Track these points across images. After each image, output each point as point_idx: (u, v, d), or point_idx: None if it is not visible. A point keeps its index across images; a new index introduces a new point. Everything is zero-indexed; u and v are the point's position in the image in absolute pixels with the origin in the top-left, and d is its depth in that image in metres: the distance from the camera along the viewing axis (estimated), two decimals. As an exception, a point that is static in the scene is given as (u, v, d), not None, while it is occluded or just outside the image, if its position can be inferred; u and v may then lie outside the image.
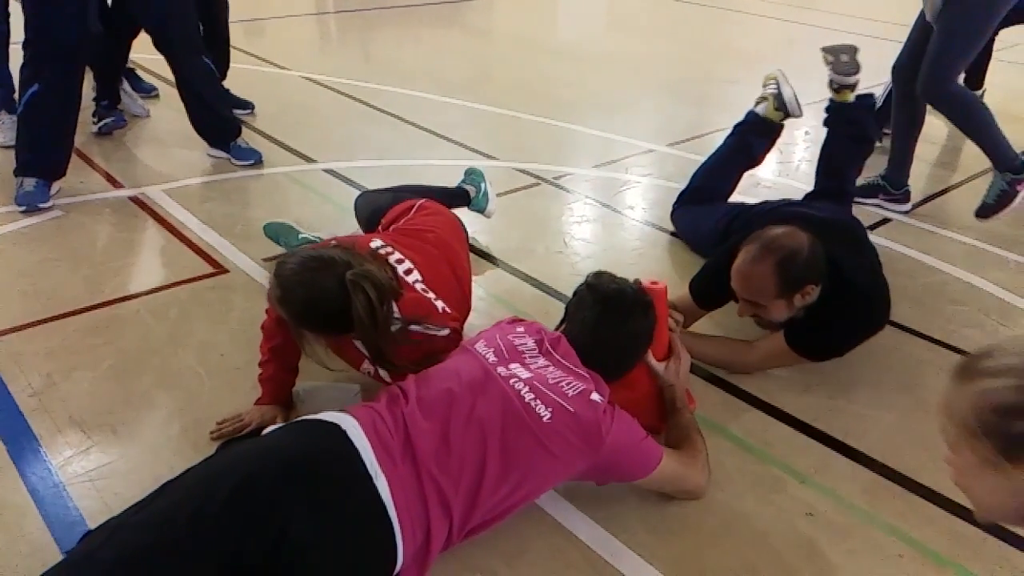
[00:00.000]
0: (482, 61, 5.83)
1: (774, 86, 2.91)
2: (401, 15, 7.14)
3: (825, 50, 2.85)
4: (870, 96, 2.82)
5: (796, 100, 2.87)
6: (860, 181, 3.46)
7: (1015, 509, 1.08)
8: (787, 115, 2.91)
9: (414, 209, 2.46)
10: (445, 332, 1.98)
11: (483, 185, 2.98)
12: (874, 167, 3.56)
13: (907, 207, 3.38)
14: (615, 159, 3.87)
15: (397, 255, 2.09)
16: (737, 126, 2.98)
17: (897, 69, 3.23)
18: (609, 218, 3.28)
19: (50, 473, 1.83)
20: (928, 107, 3.31)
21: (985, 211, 3.15)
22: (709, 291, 2.30)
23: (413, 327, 1.91)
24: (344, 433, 1.50)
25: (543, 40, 6.47)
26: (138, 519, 1.37)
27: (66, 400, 2.06)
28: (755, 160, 2.98)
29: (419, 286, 2.04)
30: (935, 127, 4.47)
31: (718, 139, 3.11)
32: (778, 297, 2.06)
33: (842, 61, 2.78)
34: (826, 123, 2.88)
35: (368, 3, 7.36)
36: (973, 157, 4.10)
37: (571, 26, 7.38)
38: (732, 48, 6.30)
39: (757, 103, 2.95)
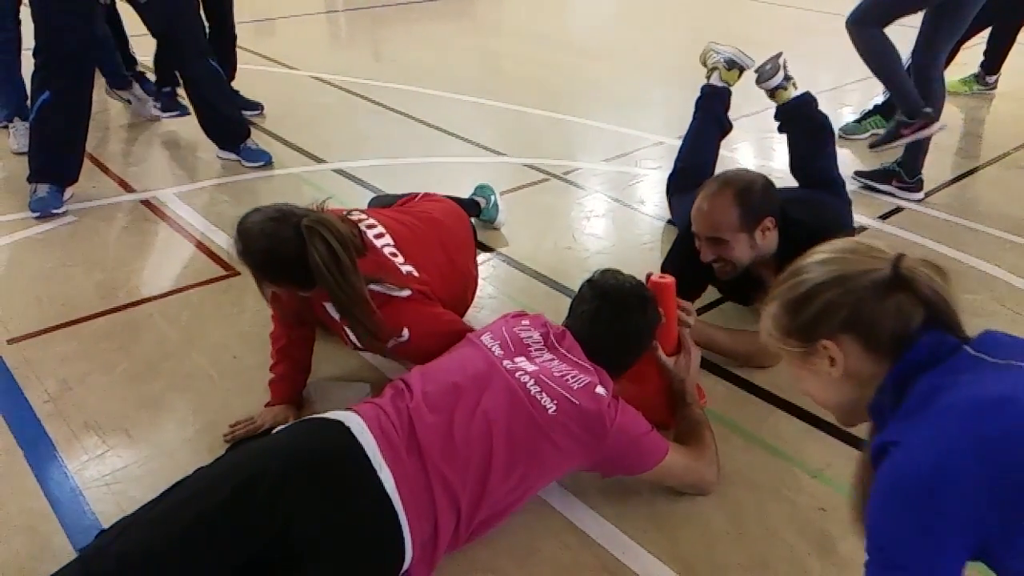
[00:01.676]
0: (491, 56, 5.81)
1: (714, 57, 3.01)
2: (411, 11, 7.14)
3: (756, 70, 2.93)
4: (806, 93, 2.88)
5: (741, 52, 2.99)
6: (875, 166, 3.47)
7: (847, 398, 1.20)
8: (741, 70, 3.00)
9: (418, 197, 2.50)
10: (405, 294, 1.97)
11: (493, 197, 3.05)
12: (890, 154, 3.54)
13: (919, 196, 3.35)
14: (625, 153, 3.86)
15: (370, 221, 2.10)
16: (699, 101, 3.05)
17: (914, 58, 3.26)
18: (619, 212, 3.27)
19: (66, 478, 1.86)
20: (946, 100, 3.37)
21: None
22: (682, 276, 2.19)
23: (372, 287, 1.91)
24: (348, 430, 1.52)
25: (552, 34, 6.44)
26: (147, 517, 1.42)
27: (81, 405, 2.09)
28: (726, 127, 3.05)
29: (387, 249, 2.04)
30: (952, 115, 4.43)
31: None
32: (739, 230, 2.08)
33: (765, 69, 2.85)
34: (780, 129, 2.94)
35: (378, 0, 7.36)
36: (988, 145, 4.08)
37: (580, 19, 7.35)
38: (741, 37, 6.21)
39: (708, 77, 3.04)
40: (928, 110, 3.29)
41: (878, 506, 1.06)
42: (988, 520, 1.00)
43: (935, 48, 3.18)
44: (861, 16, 3.17)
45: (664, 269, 2.34)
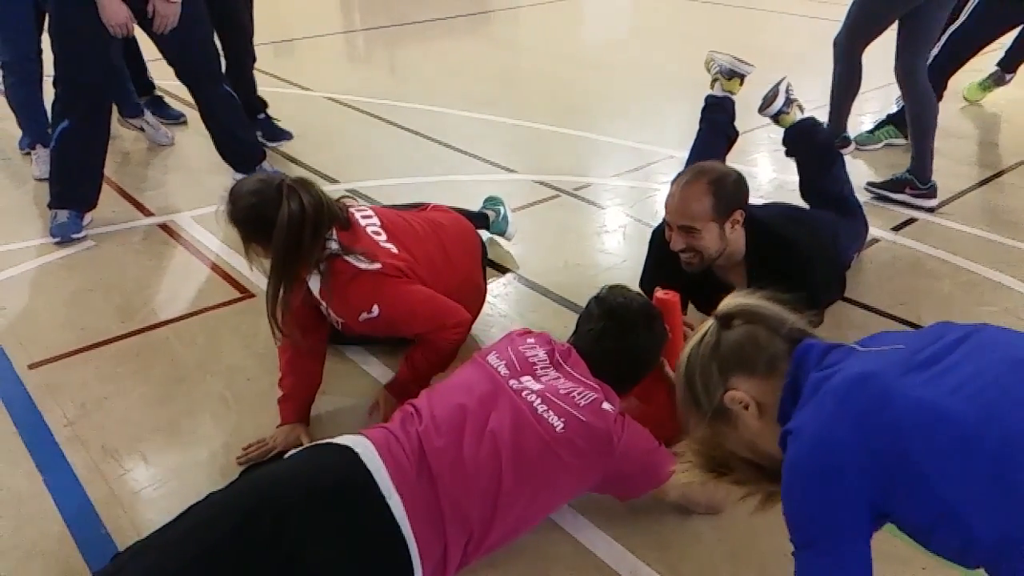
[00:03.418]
0: (505, 73, 5.84)
1: (714, 67, 3.03)
2: (427, 29, 7.19)
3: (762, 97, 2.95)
4: (809, 117, 2.90)
5: (738, 60, 3.02)
6: (887, 176, 3.46)
7: (765, 449, 1.29)
8: (742, 78, 3.02)
9: (428, 208, 2.55)
10: (375, 267, 2.01)
11: (502, 209, 3.07)
12: (900, 164, 3.52)
13: (934, 203, 3.33)
14: (637, 167, 3.87)
15: (361, 206, 2.19)
16: (703, 111, 3.06)
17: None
18: (630, 228, 3.28)
19: (85, 501, 1.89)
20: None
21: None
22: (661, 283, 2.17)
23: (347, 257, 1.98)
24: (357, 456, 1.53)
25: (567, 50, 6.47)
26: (157, 543, 1.45)
27: (99, 429, 2.13)
28: (732, 136, 3.05)
29: (371, 228, 2.11)
30: (967, 123, 4.40)
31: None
32: (711, 219, 2.11)
33: (767, 96, 2.87)
34: (787, 153, 2.94)
35: (396, 19, 7.42)
36: (1005, 154, 4.05)
37: (595, 35, 7.36)
38: (755, 48, 6.20)
39: (712, 87, 3.05)
40: (846, 135, 3.81)
41: (784, 491, 1.19)
42: (875, 484, 1.10)
43: (906, 57, 3.24)
44: (846, 34, 3.43)
45: (642, 280, 2.38)
